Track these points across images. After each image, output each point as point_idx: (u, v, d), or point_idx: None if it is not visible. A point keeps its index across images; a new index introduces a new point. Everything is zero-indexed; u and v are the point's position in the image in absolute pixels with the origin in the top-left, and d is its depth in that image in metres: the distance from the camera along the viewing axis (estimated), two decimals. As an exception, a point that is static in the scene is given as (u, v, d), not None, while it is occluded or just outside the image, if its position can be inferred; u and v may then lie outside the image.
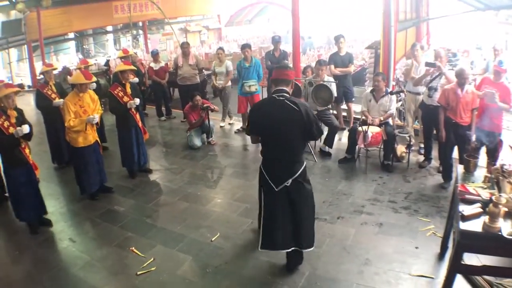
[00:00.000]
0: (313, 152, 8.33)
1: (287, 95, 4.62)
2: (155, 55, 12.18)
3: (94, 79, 7.44)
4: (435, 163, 7.96)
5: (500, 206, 3.55)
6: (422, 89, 7.99)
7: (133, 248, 5.66)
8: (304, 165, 4.80)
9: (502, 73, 6.92)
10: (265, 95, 10.08)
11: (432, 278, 4.84)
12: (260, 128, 4.73)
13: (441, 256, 5.20)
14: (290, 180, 4.67)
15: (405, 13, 14.46)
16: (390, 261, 5.17)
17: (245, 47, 10.01)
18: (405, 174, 7.66)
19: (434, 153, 7.99)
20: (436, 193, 6.84)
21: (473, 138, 6.33)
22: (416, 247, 5.46)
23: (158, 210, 6.79)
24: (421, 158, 8.23)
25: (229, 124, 11.06)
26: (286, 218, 4.80)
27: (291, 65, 7.59)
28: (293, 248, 4.90)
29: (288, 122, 4.54)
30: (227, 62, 10.66)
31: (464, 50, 15.41)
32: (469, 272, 4.53)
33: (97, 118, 6.79)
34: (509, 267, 4.24)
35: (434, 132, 7.80)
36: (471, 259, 4.46)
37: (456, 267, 3.95)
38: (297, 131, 4.59)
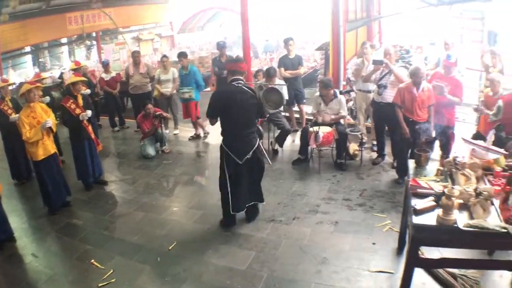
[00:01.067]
0: (266, 155, 8.28)
1: (242, 82, 5.73)
2: (105, 66, 11.96)
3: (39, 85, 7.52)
4: (388, 159, 8.06)
5: (453, 198, 3.56)
6: (373, 87, 8.05)
7: (93, 260, 5.53)
8: (258, 139, 6.01)
9: (452, 67, 7.03)
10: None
11: (392, 273, 4.85)
12: (223, 110, 5.71)
13: (399, 251, 5.23)
14: (251, 152, 5.80)
15: (355, 13, 14.64)
16: (347, 259, 5.17)
17: (180, 55, 10.08)
18: (359, 171, 7.72)
19: (388, 149, 8.08)
20: (391, 189, 6.91)
21: (433, 133, 6.42)
22: (373, 243, 5.48)
23: (114, 222, 6.63)
24: (375, 155, 8.31)
25: (174, 134, 10.92)
26: (246, 182, 5.95)
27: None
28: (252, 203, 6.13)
29: (247, 103, 5.69)
30: (173, 69, 10.52)
31: (417, 46, 15.67)
32: (427, 266, 4.56)
33: (50, 122, 6.68)
34: (467, 258, 4.27)
35: (386, 128, 7.90)
36: (432, 252, 4.56)
37: (413, 261, 3.94)
38: (253, 110, 5.80)
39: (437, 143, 6.60)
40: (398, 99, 6.86)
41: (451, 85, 6.92)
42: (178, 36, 27.06)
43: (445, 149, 6.45)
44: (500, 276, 4.80)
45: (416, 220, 3.71)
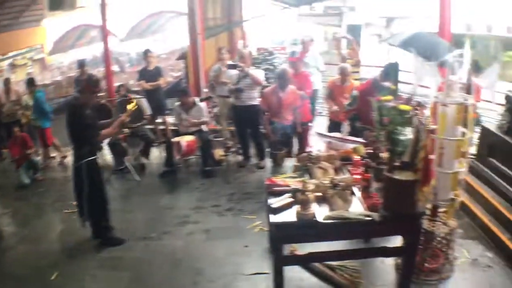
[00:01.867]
0: (133, 171, 8.03)
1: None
2: None
3: None
4: (254, 160, 8.18)
5: (308, 192, 3.64)
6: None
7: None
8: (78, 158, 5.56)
9: (297, 62, 7.22)
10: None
11: (268, 273, 4.86)
12: None
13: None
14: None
15: (215, 20, 14.75)
16: (222, 266, 5.15)
17: (27, 83, 9.60)
18: (226, 176, 7.74)
19: (253, 151, 8.20)
20: (258, 189, 6.96)
21: (345, 131, 6.56)
22: (246, 246, 5.52)
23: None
24: (241, 158, 8.39)
25: (50, 157, 10.14)
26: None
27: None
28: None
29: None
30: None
31: (280, 47, 16.06)
32: (295, 262, 4.65)
33: None
34: (337, 250, 4.39)
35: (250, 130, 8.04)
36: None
37: (280, 260, 3.98)
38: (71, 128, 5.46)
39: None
40: (264, 105, 6.91)
41: (299, 81, 7.14)
42: (50, 57, 25.89)
43: (301, 145, 6.65)
44: (381, 262, 5.08)
45: (274, 218, 3.74)
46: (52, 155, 9.73)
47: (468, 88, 4.81)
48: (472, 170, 6.60)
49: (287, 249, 5.07)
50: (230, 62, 8.17)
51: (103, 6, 9.81)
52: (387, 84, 5.73)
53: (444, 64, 4.93)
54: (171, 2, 26.45)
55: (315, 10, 31.17)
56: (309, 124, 7.44)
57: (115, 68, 20.67)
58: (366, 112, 5.76)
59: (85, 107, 5.43)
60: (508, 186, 5.92)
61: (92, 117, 5.49)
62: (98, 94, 5.74)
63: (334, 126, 7.97)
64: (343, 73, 7.52)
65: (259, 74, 7.74)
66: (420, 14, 16.83)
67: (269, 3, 18.58)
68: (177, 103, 8.18)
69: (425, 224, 4.68)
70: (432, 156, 4.27)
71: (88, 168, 5.52)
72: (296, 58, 7.19)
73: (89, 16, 25.17)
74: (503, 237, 5.39)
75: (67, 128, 5.41)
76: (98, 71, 16.42)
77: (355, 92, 6.78)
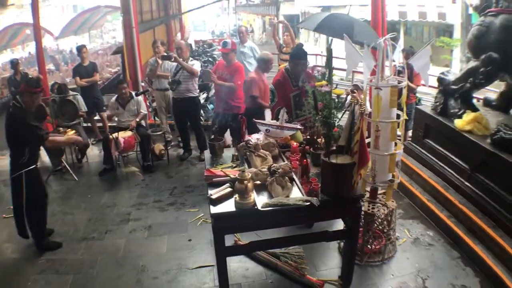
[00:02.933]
0: (71, 171, 7.77)
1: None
2: None
3: None
4: (195, 152, 8.10)
5: (246, 181, 3.60)
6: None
7: None
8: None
9: (227, 53, 7.14)
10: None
11: (212, 265, 4.86)
12: None
13: (214, 242, 5.25)
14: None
15: (151, 13, 14.55)
16: (166, 261, 5.10)
17: None
18: (167, 170, 7.67)
19: (193, 143, 8.11)
20: (200, 182, 6.95)
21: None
22: (189, 240, 5.50)
23: None
24: (182, 151, 8.30)
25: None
26: None
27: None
28: None
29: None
30: None
31: (219, 39, 16.08)
32: (237, 252, 4.63)
33: None
34: (277, 237, 4.38)
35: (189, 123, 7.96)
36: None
37: (222, 251, 3.94)
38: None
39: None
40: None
41: (231, 72, 7.09)
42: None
43: (237, 134, 6.58)
44: (325, 247, 5.17)
45: (214, 209, 3.68)
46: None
47: (405, 72, 4.89)
48: (410, 152, 6.77)
49: (232, 240, 5.08)
50: (162, 54, 8.07)
51: (35, 3, 9.45)
52: (316, 71, 5.73)
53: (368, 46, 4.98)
54: (107, -3, 26.08)
55: (253, 1, 31.42)
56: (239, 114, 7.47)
57: (50, 66, 20.17)
58: (288, 102, 5.73)
59: (27, 111, 5.06)
60: (444, 166, 6.10)
61: (34, 121, 5.11)
62: (40, 94, 5.21)
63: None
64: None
65: (195, 65, 7.67)
66: (356, 2, 17.13)
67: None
68: (113, 98, 7.98)
69: (365, 206, 4.77)
70: (368, 139, 4.32)
71: (27, 179, 5.20)
72: (227, 49, 7.09)
73: (22, 14, 24.50)
74: (442, 215, 5.58)
75: (6, 134, 5.06)
76: (33, 70, 15.94)
77: (272, 87, 6.61)
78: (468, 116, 5.77)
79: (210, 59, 13.47)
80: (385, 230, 4.91)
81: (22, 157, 5.10)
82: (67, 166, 7.81)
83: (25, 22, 24.11)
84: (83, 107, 8.28)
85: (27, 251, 5.59)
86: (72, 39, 32.27)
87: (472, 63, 5.97)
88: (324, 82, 4.35)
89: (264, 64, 6.74)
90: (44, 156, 8.24)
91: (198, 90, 8.24)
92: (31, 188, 5.24)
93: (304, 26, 8.96)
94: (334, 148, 4.05)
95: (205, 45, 15.01)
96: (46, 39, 27.15)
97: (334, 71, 6.40)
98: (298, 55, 5.77)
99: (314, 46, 28.08)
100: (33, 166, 5.22)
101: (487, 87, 6.37)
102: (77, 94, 8.47)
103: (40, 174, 5.50)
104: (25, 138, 5.07)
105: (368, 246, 4.89)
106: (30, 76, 9.82)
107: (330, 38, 6.40)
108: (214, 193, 3.81)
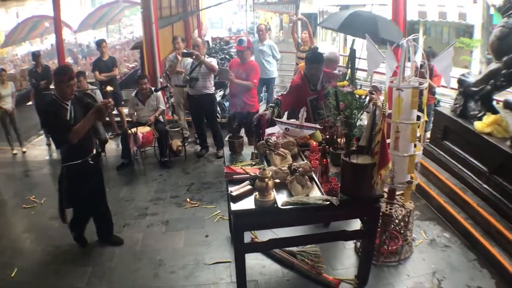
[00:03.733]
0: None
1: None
2: None
3: None
4: (212, 149, 8.13)
5: (267, 179, 3.62)
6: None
7: None
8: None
9: (243, 51, 7.11)
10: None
11: (229, 262, 4.90)
12: None
13: (232, 239, 5.25)
14: None
15: (170, 9, 14.59)
16: (183, 256, 5.13)
17: None
18: (184, 167, 7.72)
19: (210, 140, 8.15)
20: (217, 179, 7.01)
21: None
22: (207, 236, 5.52)
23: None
24: (199, 148, 8.35)
25: (23, 152, 9.64)
26: None
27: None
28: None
29: None
30: (11, 83, 9.44)
31: (236, 36, 16.02)
32: (255, 250, 4.65)
33: None
34: (296, 235, 4.40)
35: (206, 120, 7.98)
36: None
37: (241, 248, 3.96)
38: None
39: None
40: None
41: (246, 70, 7.08)
42: (3, 50, 25.18)
43: (256, 133, 6.58)
44: (342, 246, 5.20)
45: (235, 206, 3.71)
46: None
47: (422, 74, 4.88)
48: (428, 153, 6.74)
49: (248, 237, 5.11)
50: (184, 51, 8.10)
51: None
52: (338, 71, 5.67)
53: (393, 45, 4.95)
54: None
55: (271, -1, 31.53)
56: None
57: (68, 60, 20.33)
58: (300, 105, 5.61)
59: (55, 102, 4.71)
60: (462, 168, 6.07)
61: (62, 115, 4.67)
62: (69, 83, 4.67)
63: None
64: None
65: (214, 62, 7.74)
66: (375, 1, 17.01)
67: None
68: (133, 94, 8.04)
69: (383, 207, 4.76)
70: (388, 140, 4.32)
71: (67, 175, 4.90)
72: (243, 47, 7.07)
73: (41, 7, 24.66)
74: (459, 217, 5.55)
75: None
76: (52, 63, 16.07)
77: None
78: (488, 118, 5.74)
79: (227, 56, 13.47)
80: (402, 231, 4.91)
81: (61, 151, 4.93)
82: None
83: (45, 15, 24.26)
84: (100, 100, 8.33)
85: (46, 242, 5.66)
86: (90, 33, 32.46)
87: (494, 65, 5.92)
88: (346, 83, 4.34)
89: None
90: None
91: (214, 88, 8.26)
92: (70, 186, 4.93)
93: (326, 25, 8.79)
94: (355, 148, 4.07)
95: (222, 42, 15.03)
96: (65, 32, 27.38)
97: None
98: (313, 58, 5.59)
99: (331, 45, 27.94)
100: (71, 163, 4.82)
101: (508, 89, 6.32)
102: (96, 88, 8.54)
103: (91, 173, 5.11)
104: (52, 133, 4.96)
105: (385, 246, 4.89)
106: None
107: (352, 38, 6.36)
108: (235, 190, 3.83)
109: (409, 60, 4.42)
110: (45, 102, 4.94)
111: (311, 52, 5.53)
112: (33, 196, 6.93)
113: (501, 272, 4.67)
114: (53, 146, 9.21)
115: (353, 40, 5.91)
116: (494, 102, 6.49)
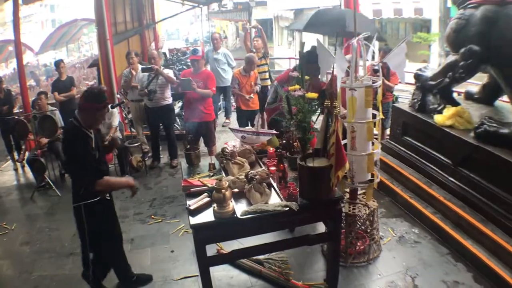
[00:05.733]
0: (54, 187, 7.65)
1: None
2: None
3: None
4: (165, 160, 8.15)
5: (223, 190, 3.56)
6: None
7: None
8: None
9: (197, 60, 7.15)
10: None
11: (197, 276, 4.76)
12: None
13: (196, 252, 5.19)
14: None
15: (125, 24, 14.44)
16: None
17: None
18: (146, 182, 7.63)
19: (164, 152, 8.39)
20: (179, 192, 6.86)
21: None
22: (172, 251, 5.44)
23: None
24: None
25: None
26: None
27: None
28: None
29: None
30: None
31: (193, 46, 16.04)
32: (220, 262, 4.55)
33: None
34: (259, 244, 4.32)
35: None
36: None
37: (204, 262, 3.88)
38: None
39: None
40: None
41: (202, 79, 7.09)
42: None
43: (209, 143, 6.57)
44: (312, 252, 5.13)
45: (194, 220, 3.63)
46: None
47: (382, 71, 4.88)
48: (389, 150, 6.77)
49: (214, 248, 5.03)
50: (142, 66, 8.05)
51: (16, 20, 9.42)
52: (295, 73, 5.62)
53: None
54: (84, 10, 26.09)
55: (226, 7, 31.50)
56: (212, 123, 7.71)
57: (31, 82, 20.05)
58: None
59: (81, 132, 4.14)
60: (425, 162, 6.10)
61: (91, 151, 4.16)
62: (104, 110, 4.25)
63: (243, 115, 8.28)
64: (250, 64, 7.91)
65: (171, 73, 7.91)
66: (328, 3, 17.14)
67: (179, 3, 18.46)
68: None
69: (346, 207, 4.74)
70: (344, 141, 4.30)
71: (87, 212, 4.25)
72: (199, 56, 7.13)
73: (5, 32, 24.48)
74: (427, 212, 5.58)
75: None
76: (16, 87, 15.79)
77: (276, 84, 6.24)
78: (449, 111, 5.77)
79: (184, 67, 13.38)
80: (368, 230, 4.90)
81: (80, 188, 4.15)
82: (50, 182, 7.71)
83: (8, 39, 24.06)
84: (60, 122, 8.18)
85: (20, 267, 5.51)
86: (51, 54, 32.18)
87: (451, 57, 5.95)
88: (297, 87, 4.31)
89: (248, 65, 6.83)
90: (28, 172, 8.17)
91: (172, 98, 8.28)
92: (93, 223, 4.32)
93: (293, 27, 8.96)
94: (310, 151, 4.03)
95: (179, 53, 14.93)
96: (28, 55, 27.05)
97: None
98: (310, 58, 5.44)
99: (288, 49, 28.03)
100: (94, 200, 4.21)
101: (469, 80, 6.35)
102: (55, 110, 8.39)
103: (108, 210, 4.62)
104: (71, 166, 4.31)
105: (352, 247, 4.86)
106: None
107: (303, 41, 6.32)
108: (193, 203, 3.76)
109: (361, 59, 4.42)
110: (68, 130, 4.32)
111: (307, 52, 5.45)
112: (4, 223, 6.76)
113: (477, 265, 4.67)
114: (20, 171, 9.15)
115: (303, 44, 5.85)
116: (455, 94, 6.55)
